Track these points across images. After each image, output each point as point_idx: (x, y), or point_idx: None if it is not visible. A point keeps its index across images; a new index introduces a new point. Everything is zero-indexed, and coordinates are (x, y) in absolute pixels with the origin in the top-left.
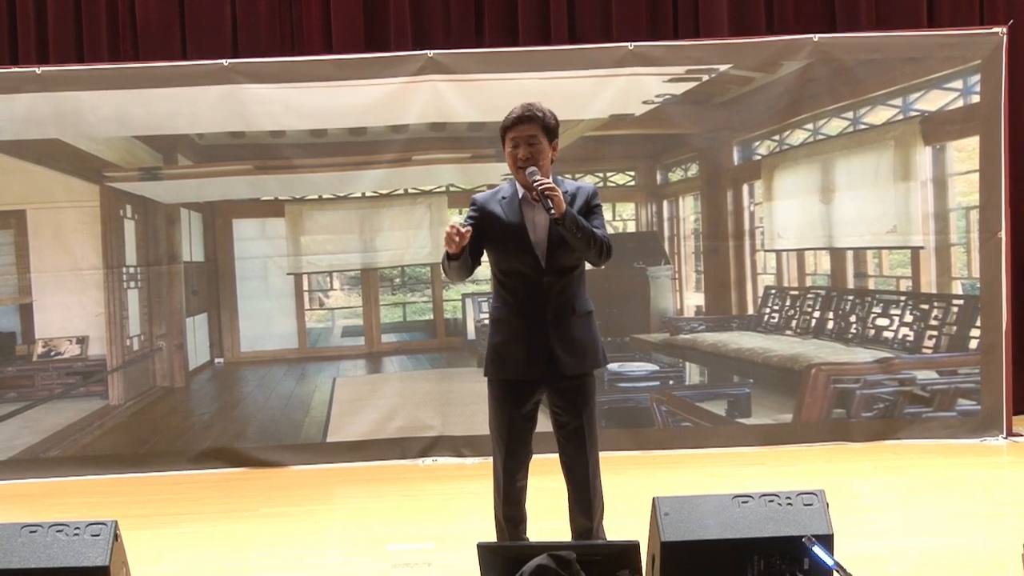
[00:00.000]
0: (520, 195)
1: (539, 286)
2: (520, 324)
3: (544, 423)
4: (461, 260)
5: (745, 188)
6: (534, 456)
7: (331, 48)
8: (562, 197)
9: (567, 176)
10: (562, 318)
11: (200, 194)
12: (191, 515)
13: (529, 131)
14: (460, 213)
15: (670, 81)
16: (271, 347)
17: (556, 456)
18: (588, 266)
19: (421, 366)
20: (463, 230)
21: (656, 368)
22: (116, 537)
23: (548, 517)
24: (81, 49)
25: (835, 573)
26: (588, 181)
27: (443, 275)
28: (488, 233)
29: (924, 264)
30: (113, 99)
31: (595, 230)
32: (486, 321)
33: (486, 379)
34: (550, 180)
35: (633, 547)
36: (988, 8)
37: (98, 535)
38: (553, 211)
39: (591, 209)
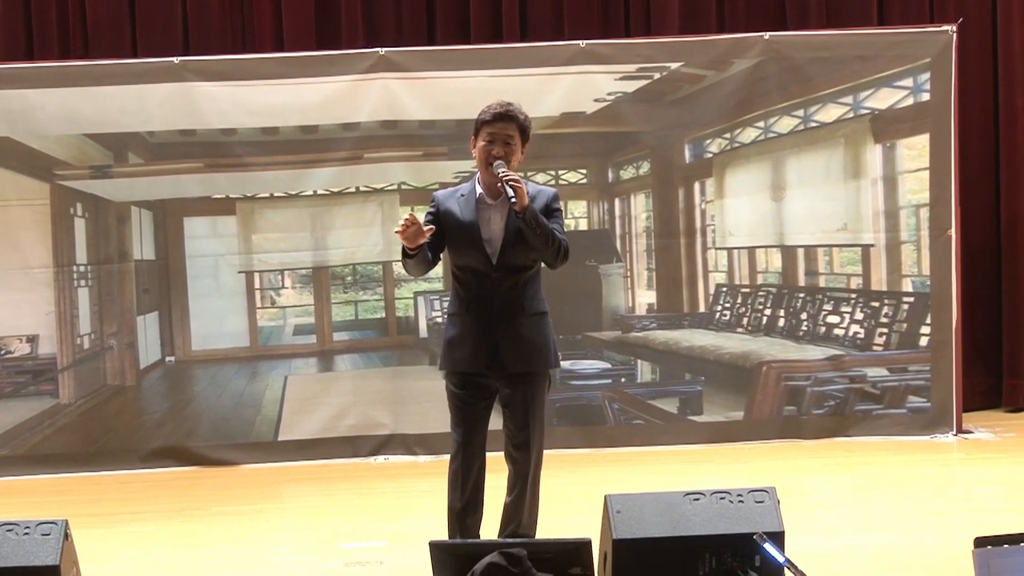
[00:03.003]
0: (478, 194)
1: (489, 283)
2: (470, 319)
3: (495, 422)
4: (418, 257)
5: (696, 186)
6: (492, 455)
7: (282, 46)
8: (525, 190)
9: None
10: (510, 316)
11: (151, 192)
12: (142, 514)
13: (508, 130)
14: (412, 211)
15: (621, 79)
16: (222, 345)
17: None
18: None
19: (373, 364)
20: (424, 228)
21: (608, 366)
22: (66, 536)
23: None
24: (31, 46)
25: (786, 570)
26: (550, 187)
27: (404, 270)
28: (444, 229)
29: (875, 262)
30: (63, 97)
31: (554, 230)
32: (438, 319)
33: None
34: (516, 174)
35: (585, 545)
36: (938, 7)
37: (48, 534)
38: (514, 199)
39: (550, 212)
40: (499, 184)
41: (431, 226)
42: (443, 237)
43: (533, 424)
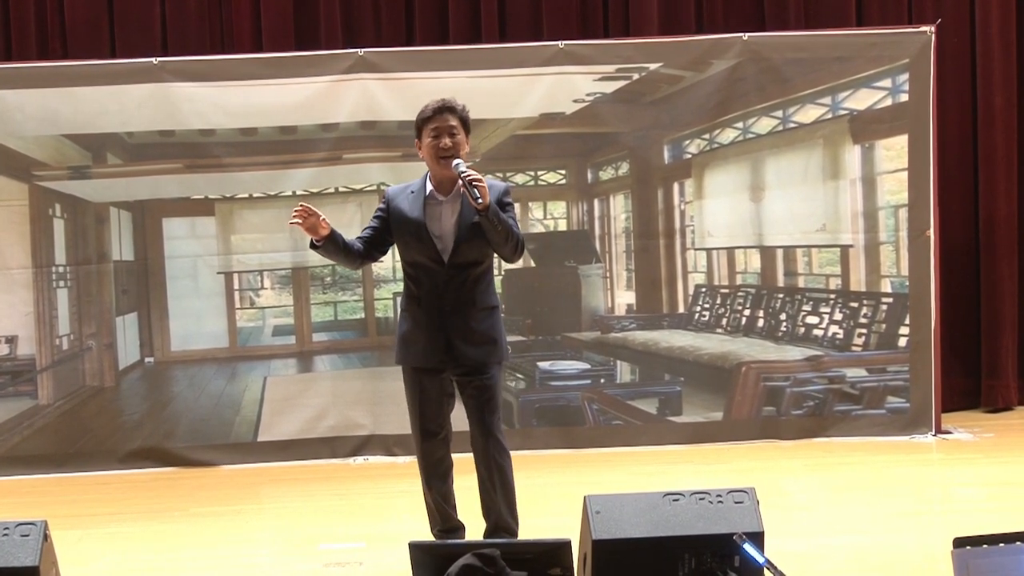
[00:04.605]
0: (428, 191)
1: (440, 278)
2: (422, 314)
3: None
4: (327, 248)
5: (675, 187)
6: (464, 457)
7: (261, 47)
8: (488, 189)
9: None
10: (461, 310)
11: (130, 193)
12: (121, 515)
13: (451, 121)
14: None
15: (600, 80)
16: (202, 346)
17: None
18: (506, 266)
19: (352, 365)
20: (321, 219)
21: (587, 366)
22: (46, 537)
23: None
24: (9, 47)
25: (766, 571)
26: (500, 181)
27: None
28: (393, 226)
29: (853, 262)
30: (41, 97)
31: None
32: None
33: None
34: (476, 173)
35: (564, 545)
36: (916, 7)
37: (27, 535)
38: (480, 200)
39: (503, 207)
40: (462, 186)
41: (324, 216)
42: (390, 233)
43: (491, 415)
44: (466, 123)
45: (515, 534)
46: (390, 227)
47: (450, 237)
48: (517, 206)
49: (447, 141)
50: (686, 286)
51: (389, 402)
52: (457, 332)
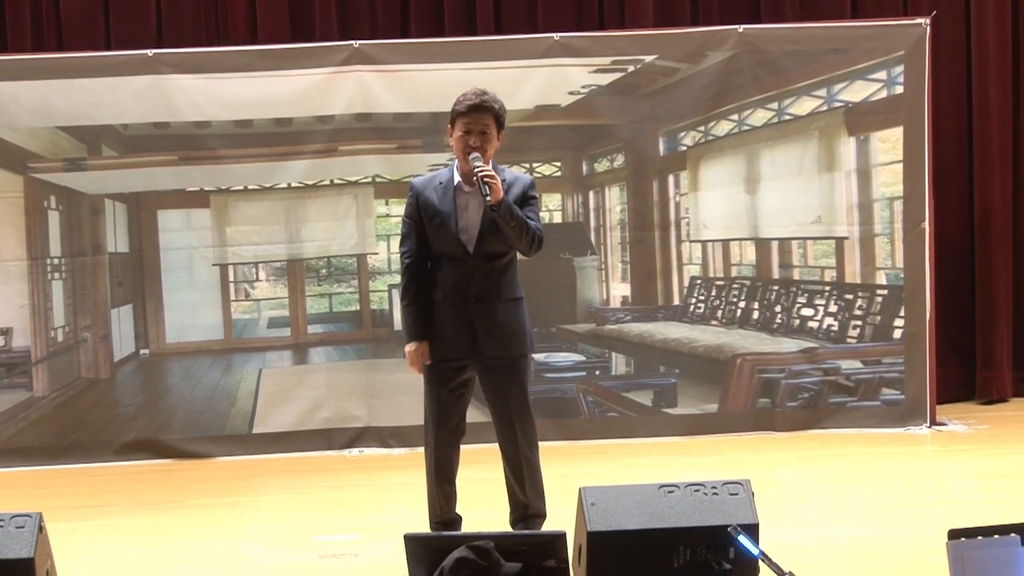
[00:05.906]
0: (455, 182)
1: (465, 270)
2: (447, 306)
3: (474, 415)
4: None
5: (671, 179)
6: (470, 447)
7: (256, 38)
8: (500, 185)
9: (504, 166)
10: (487, 302)
11: (125, 185)
12: (116, 507)
13: (484, 120)
14: (387, 204)
15: (596, 72)
16: (197, 338)
17: (489, 447)
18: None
19: (347, 357)
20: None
21: (582, 358)
22: (41, 529)
23: (482, 507)
24: (4, 39)
25: (760, 562)
26: (526, 175)
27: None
28: (424, 217)
29: (848, 254)
30: (36, 89)
31: (528, 221)
32: None
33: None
34: (490, 168)
35: (559, 537)
36: None
37: (22, 527)
38: (489, 198)
39: (526, 200)
40: (474, 179)
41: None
42: (424, 225)
43: (515, 407)
44: (500, 120)
45: (545, 516)
46: (422, 218)
47: (475, 228)
48: None
49: (476, 140)
50: (681, 278)
51: (384, 394)
52: (483, 324)
